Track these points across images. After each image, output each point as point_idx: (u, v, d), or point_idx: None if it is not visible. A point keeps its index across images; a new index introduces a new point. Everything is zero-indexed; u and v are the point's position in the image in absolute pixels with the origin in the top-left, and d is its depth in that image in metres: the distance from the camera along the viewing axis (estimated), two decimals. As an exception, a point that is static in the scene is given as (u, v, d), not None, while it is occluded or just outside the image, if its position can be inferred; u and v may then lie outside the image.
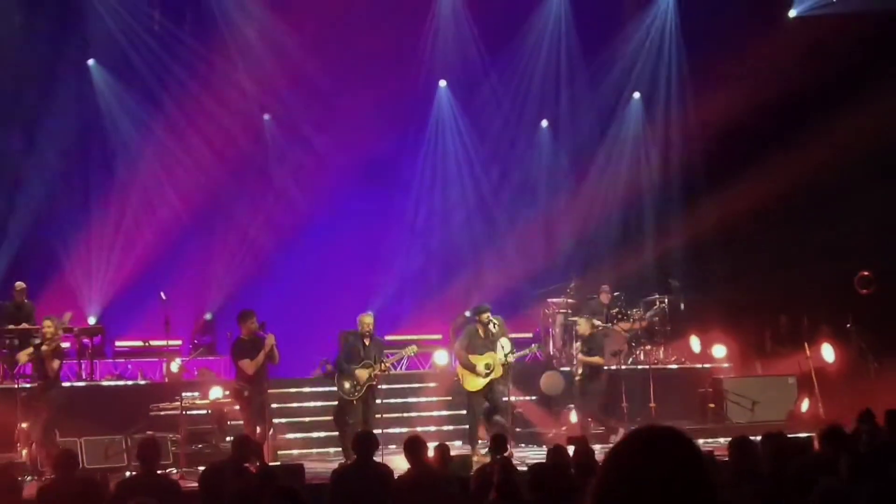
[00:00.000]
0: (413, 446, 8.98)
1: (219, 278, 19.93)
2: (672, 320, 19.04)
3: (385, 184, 20.97)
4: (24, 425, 14.09)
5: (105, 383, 16.77)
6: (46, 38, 18.72)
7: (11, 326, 16.47)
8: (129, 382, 16.93)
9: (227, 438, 14.42)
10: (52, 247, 18.94)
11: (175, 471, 13.42)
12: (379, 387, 14.68)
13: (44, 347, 13.70)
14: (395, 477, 9.13)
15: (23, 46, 18.69)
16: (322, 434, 16.23)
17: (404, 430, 14.72)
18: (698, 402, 17.83)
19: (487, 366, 14.67)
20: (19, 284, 16.98)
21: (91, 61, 19.56)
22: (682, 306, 19.10)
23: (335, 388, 14.83)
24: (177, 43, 19.71)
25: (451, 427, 16.65)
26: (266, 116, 20.99)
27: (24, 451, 13.81)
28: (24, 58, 18.68)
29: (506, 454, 10.68)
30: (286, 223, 20.71)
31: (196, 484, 9.32)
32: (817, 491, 6.54)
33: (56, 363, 13.40)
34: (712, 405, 17.57)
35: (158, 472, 9.19)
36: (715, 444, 14.83)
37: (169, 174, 19.71)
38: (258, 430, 13.92)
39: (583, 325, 16.30)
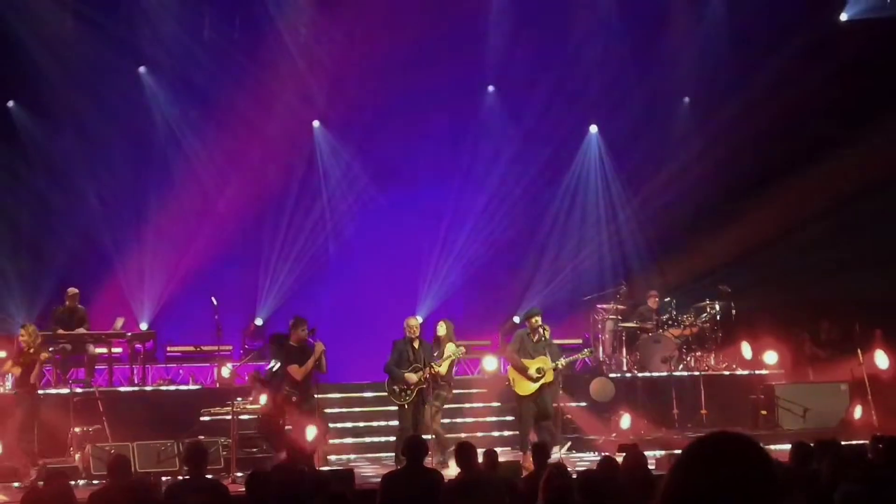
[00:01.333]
0: (464, 452, 8.99)
1: (269, 284, 20.02)
2: (723, 326, 18.89)
3: (435, 189, 20.90)
4: (76, 430, 14.27)
5: (157, 388, 16.90)
6: (97, 45, 18.85)
7: (63, 332, 16.61)
8: (181, 387, 17.03)
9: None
10: (105, 252, 19.09)
11: (226, 475, 13.47)
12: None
13: (32, 351, 14.10)
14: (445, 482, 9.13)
15: (74, 52, 18.87)
16: (375, 439, 16.28)
17: (452, 436, 14.72)
18: (750, 409, 17.65)
19: (539, 370, 14.65)
20: (72, 290, 17.12)
21: (142, 69, 19.74)
22: (733, 312, 18.94)
23: (386, 394, 14.91)
24: (226, 48, 19.79)
25: (498, 433, 16.61)
26: (316, 123, 21.06)
27: (77, 456, 13.96)
28: (75, 64, 18.85)
29: (549, 461, 10.60)
30: (336, 229, 20.78)
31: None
32: (839, 496, 6.49)
33: (31, 373, 13.68)
34: (764, 412, 17.37)
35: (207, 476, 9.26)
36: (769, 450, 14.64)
37: (220, 180, 19.83)
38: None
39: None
